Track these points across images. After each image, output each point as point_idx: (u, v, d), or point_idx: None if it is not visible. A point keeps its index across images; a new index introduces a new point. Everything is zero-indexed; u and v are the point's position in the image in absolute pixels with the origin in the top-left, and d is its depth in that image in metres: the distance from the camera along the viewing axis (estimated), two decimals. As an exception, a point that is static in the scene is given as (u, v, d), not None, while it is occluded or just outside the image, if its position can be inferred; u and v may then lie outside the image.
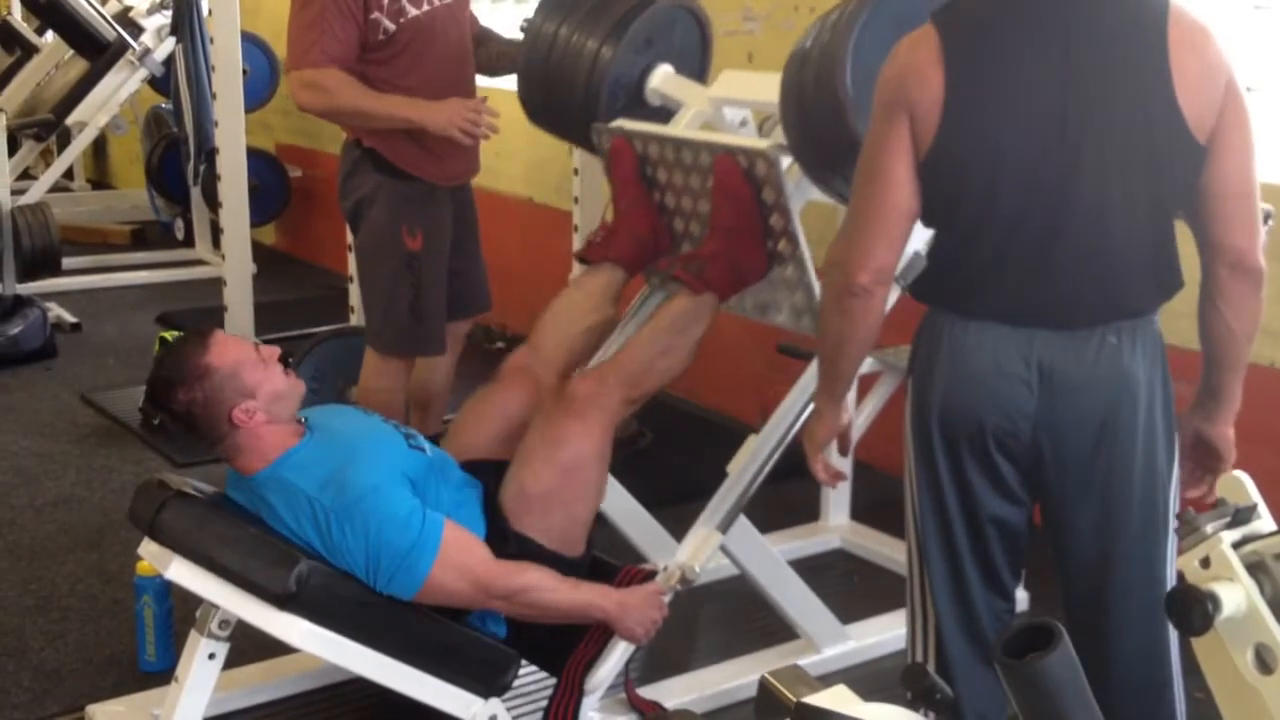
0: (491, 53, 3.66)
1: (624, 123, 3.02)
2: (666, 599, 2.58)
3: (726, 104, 3.02)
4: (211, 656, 2.40)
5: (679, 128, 3.04)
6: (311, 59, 3.28)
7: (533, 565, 2.46)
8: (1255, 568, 1.37)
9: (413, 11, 3.33)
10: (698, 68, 3.32)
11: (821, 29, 2.48)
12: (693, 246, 2.89)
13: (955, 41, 1.98)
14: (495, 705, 2.50)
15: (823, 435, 2.31)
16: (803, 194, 2.76)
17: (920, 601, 2.22)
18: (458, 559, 2.38)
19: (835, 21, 2.45)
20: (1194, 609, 1.35)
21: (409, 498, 2.39)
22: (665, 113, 3.18)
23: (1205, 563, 1.39)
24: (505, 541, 2.48)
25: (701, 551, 2.66)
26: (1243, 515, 1.42)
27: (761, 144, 2.70)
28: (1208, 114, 1.94)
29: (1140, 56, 1.93)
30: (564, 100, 3.20)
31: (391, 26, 3.31)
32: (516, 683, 2.56)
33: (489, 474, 2.61)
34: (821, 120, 2.45)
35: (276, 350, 2.51)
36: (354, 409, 2.73)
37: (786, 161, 2.68)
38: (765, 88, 2.71)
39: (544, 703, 2.60)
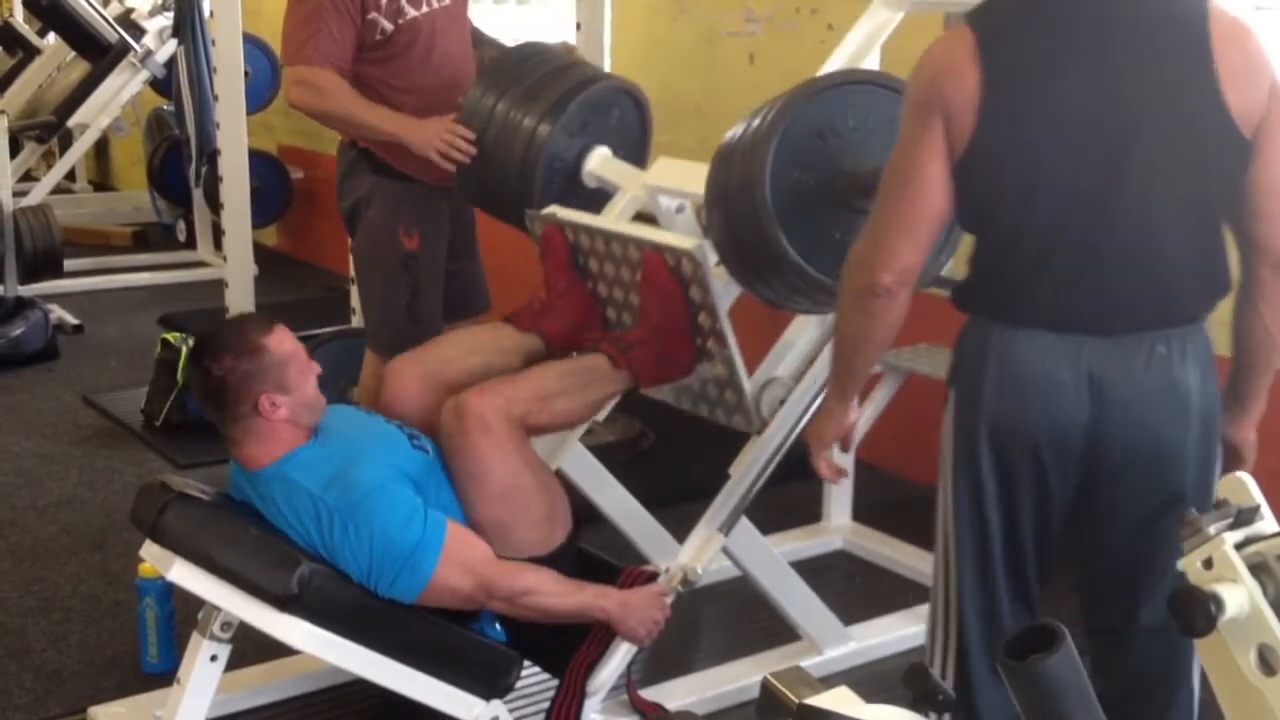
0: (483, 57, 3.66)
1: (557, 209, 2.93)
2: (669, 600, 2.58)
3: (661, 192, 2.94)
4: (213, 658, 2.40)
5: (611, 215, 2.96)
6: (305, 55, 3.27)
7: (534, 566, 2.46)
8: (1258, 569, 1.37)
9: (411, 13, 3.33)
10: (637, 149, 3.24)
11: (748, 126, 2.45)
12: (623, 332, 2.82)
13: (990, 40, 1.94)
14: (497, 707, 2.49)
15: (831, 434, 2.30)
16: (730, 293, 2.70)
17: (945, 614, 2.18)
18: (461, 558, 2.37)
19: (758, 126, 2.41)
20: (1197, 610, 1.35)
21: (412, 497, 2.38)
22: (603, 195, 3.10)
23: (1208, 564, 1.39)
24: None
25: (703, 553, 2.66)
26: (1245, 516, 1.42)
27: (687, 242, 2.62)
28: (1254, 110, 1.91)
29: (1182, 53, 1.91)
30: (499, 180, 3.12)
31: (389, 27, 3.31)
32: (518, 684, 2.56)
33: None
34: (743, 225, 2.42)
35: (319, 368, 2.53)
36: (356, 409, 2.73)
37: (714, 259, 2.62)
38: (700, 177, 2.64)
39: (546, 704, 2.60)
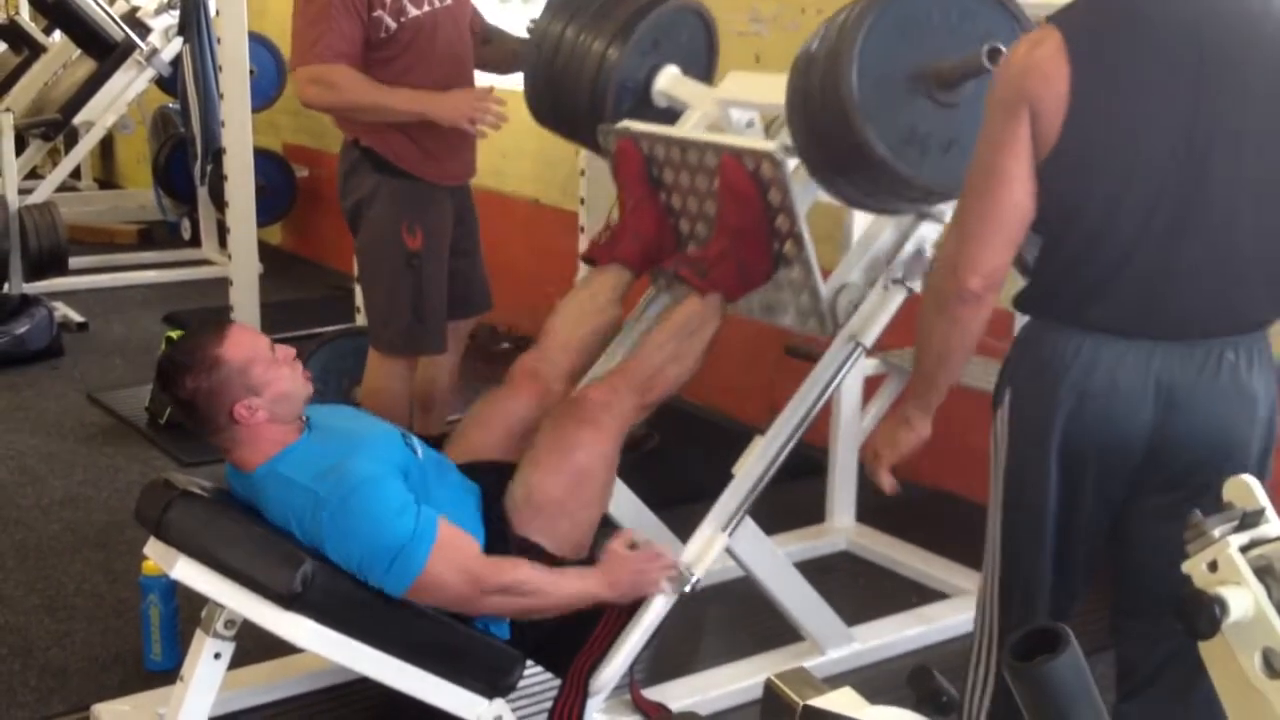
0: (502, 52, 3.67)
1: (630, 124, 3.01)
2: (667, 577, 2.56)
3: (733, 105, 3.02)
4: (217, 656, 2.40)
5: (685, 129, 3.03)
6: (318, 54, 3.28)
7: (524, 560, 2.45)
8: (1263, 572, 1.37)
9: (413, 11, 3.34)
10: (704, 69, 3.32)
11: (828, 31, 2.48)
12: (698, 247, 2.89)
13: (1079, 40, 1.92)
14: (500, 706, 2.49)
15: (908, 446, 2.25)
16: (809, 196, 2.76)
17: (988, 622, 2.17)
18: (453, 552, 2.36)
19: (842, 24, 2.44)
20: (1201, 613, 1.35)
21: (405, 491, 2.38)
22: (672, 114, 3.18)
23: (1213, 566, 1.38)
24: (505, 545, 2.48)
25: (707, 553, 2.66)
26: (1250, 519, 1.41)
27: (767, 145, 2.69)
28: None
29: (1274, 73, 1.91)
30: (570, 102, 3.19)
31: (393, 24, 3.31)
32: (521, 683, 2.56)
33: (489, 476, 2.61)
34: (827, 123, 2.44)
35: (291, 351, 2.50)
36: (353, 409, 2.74)
37: (793, 163, 2.67)
38: (772, 89, 2.71)
39: (549, 704, 2.59)
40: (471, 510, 2.53)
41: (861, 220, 3.05)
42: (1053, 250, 2.04)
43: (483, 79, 3.65)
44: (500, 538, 2.48)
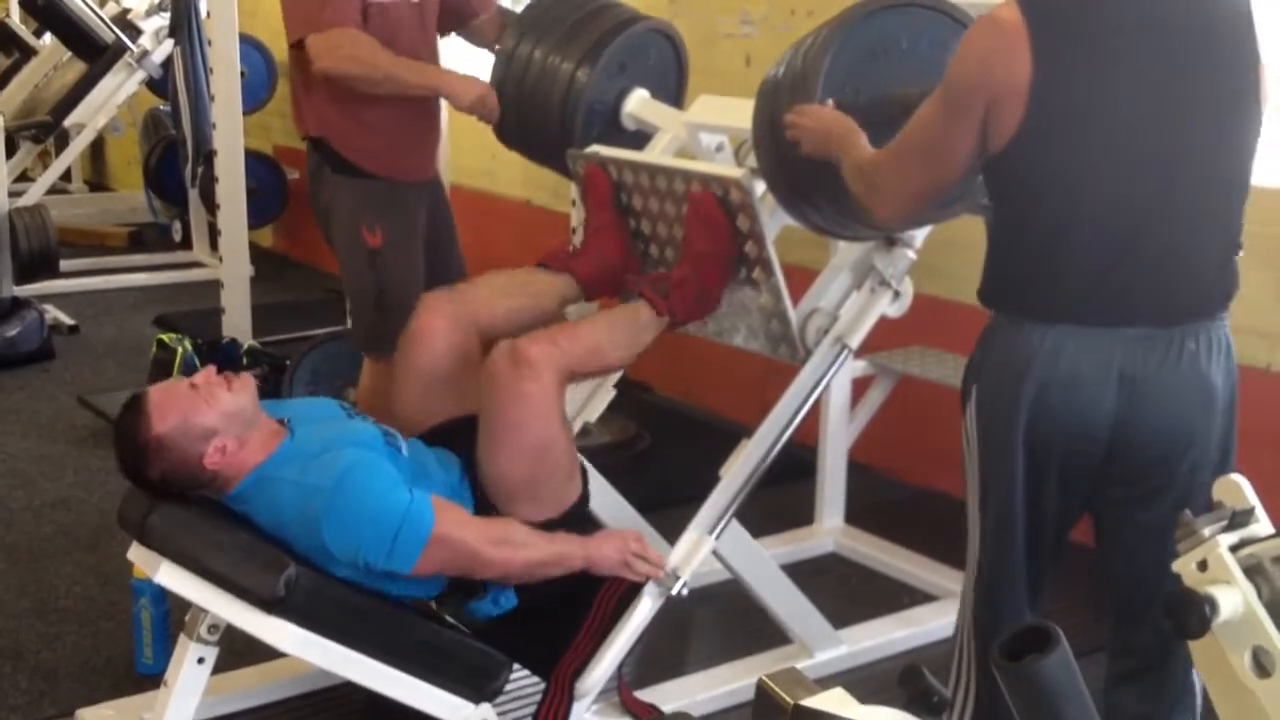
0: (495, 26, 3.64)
1: (599, 149, 2.99)
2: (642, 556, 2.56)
3: (702, 129, 2.99)
4: (201, 661, 2.39)
5: (654, 153, 3.02)
6: (328, 18, 3.18)
7: (504, 519, 2.45)
8: (1252, 571, 1.37)
9: None
10: (673, 91, 3.30)
11: (794, 57, 2.46)
12: (664, 270, 2.87)
13: (1042, 27, 1.91)
14: (486, 710, 2.49)
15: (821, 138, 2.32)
16: (777, 222, 2.74)
17: (969, 615, 2.20)
18: (452, 512, 2.38)
19: (807, 49, 2.43)
20: (1191, 612, 1.35)
21: (392, 469, 2.38)
22: (641, 137, 3.16)
23: (1203, 565, 1.38)
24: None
25: (694, 555, 2.65)
26: (1240, 518, 1.41)
27: (735, 172, 2.67)
28: None
29: (1235, 60, 1.94)
30: (540, 124, 3.17)
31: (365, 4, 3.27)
32: (507, 687, 2.55)
33: (459, 441, 2.58)
34: (793, 149, 2.41)
35: (210, 370, 2.46)
36: (333, 403, 2.70)
37: (761, 188, 2.65)
38: (741, 113, 2.68)
39: (534, 707, 2.58)
40: (463, 495, 2.53)
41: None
42: (1014, 241, 2.05)
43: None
44: (488, 512, 2.50)
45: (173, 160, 6.79)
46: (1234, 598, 1.35)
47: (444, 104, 3.54)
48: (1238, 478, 1.46)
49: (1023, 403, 2.02)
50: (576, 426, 3.08)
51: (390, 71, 3.26)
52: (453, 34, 3.64)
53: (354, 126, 3.34)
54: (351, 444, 2.41)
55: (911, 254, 2.76)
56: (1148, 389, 1.98)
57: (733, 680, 2.86)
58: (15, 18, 7.83)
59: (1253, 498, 1.44)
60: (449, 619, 2.56)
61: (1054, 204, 1.96)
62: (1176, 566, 1.41)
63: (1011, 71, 1.91)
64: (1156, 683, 2.13)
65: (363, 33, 3.23)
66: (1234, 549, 1.38)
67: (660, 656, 2.95)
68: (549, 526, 2.49)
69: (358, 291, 3.46)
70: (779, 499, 3.35)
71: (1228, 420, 2.04)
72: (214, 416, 2.37)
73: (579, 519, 2.58)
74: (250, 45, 6.27)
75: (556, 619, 2.55)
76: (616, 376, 3.15)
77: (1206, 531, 1.40)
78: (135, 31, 6.59)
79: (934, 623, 3.15)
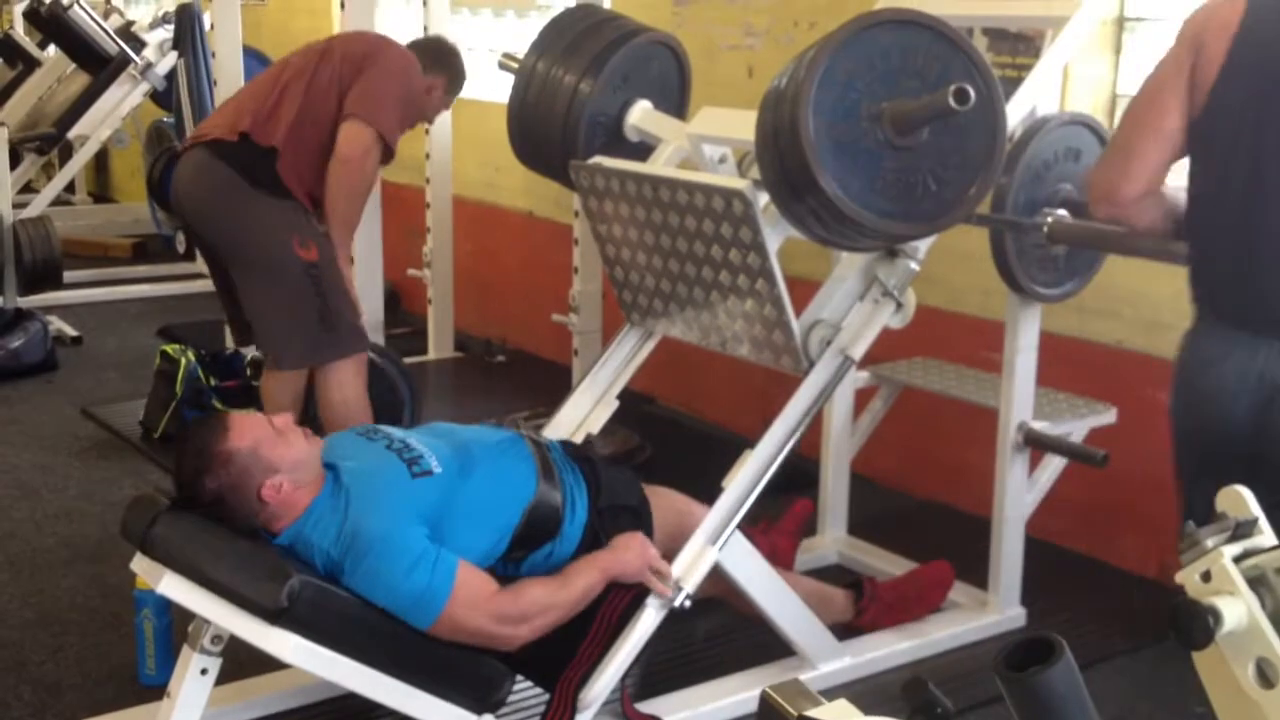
0: None
1: (602, 160, 3.00)
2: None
3: (705, 141, 3.00)
4: (204, 672, 2.39)
5: (657, 165, 3.03)
6: (389, 129, 3.47)
7: (529, 581, 2.50)
8: (1256, 582, 1.37)
9: None
10: (676, 102, 3.31)
11: (796, 68, 2.47)
12: (670, 285, 2.92)
13: (1256, 12, 2.10)
14: (490, 721, 2.49)
15: None
16: (780, 233, 2.74)
17: None
18: (471, 595, 2.42)
19: (807, 61, 2.44)
20: (1195, 623, 1.34)
21: (419, 541, 2.41)
22: (644, 148, 3.17)
23: (1206, 577, 1.38)
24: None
25: (696, 567, 2.64)
26: (1244, 529, 1.41)
27: (738, 183, 2.67)
28: None
29: None
30: (543, 137, 3.20)
31: None
32: (510, 698, 2.56)
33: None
34: (790, 160, 2.43)
35: (290, 417, 2.55)
36: (361, 439, 2.71)
37: (764, 200, 2.66)
38: (744, 125, 2.68)
39: (538, 719, 2.59)
40: (511, 494, 2.59)
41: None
42: (1192, 236, 2.21)
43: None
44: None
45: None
46: (1238, 609, 1.35)
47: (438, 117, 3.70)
48: (1240, 488, 1.46)
49: (1179, 401, 2.26)
50: (580, 437, 3.10)
51: (351, 219, 3.57)
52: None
53: (306, 166, 3.49)
54: (379, 511, 2.44)
55: (914, 265, 2.76)
56: None
57: (736, 692, 2.85)
58: (20, 30, 7.86)
59: (1256, 508, 1.44)
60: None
61: (1230, 196, 2.16)
62: (1180, 578, 1.41)
63: (1220, 40, 2.10)
64: None
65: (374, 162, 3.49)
66: (1238, 560, 1.38)
67: (660, 669, 2.94)
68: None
69: (295, 307, 3.50)
70: (782, 510, 3.35)
71: None
72: (283, 456, 2.44)
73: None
74: (254, 57, 6.25)
75: (560, 630, 2.55)
76: (619, 388, 3.17)
77: (1210, 543, 1.40)
78: (139, 44, 6.62)
79: (938, 633, 3.15)
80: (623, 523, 2.68)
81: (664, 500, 2.81)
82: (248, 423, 2.49)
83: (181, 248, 7.22)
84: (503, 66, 3.43)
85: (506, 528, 2.57)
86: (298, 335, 3.51)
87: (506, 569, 2.60)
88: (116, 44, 6.54)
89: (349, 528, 2.41)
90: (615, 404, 3.14)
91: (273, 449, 2.45)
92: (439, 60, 3.90)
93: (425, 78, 3.74)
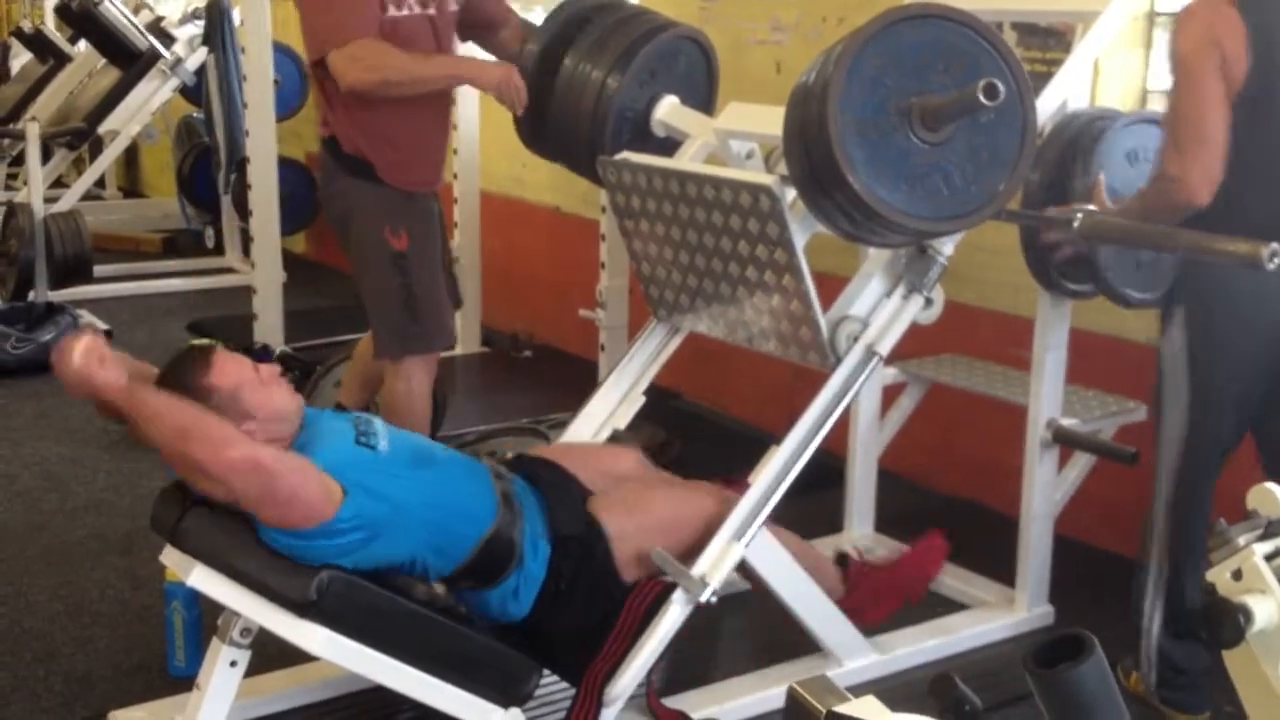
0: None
1: (629, 155, 3.01)
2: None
3: (732, 136, 3.00)
4: (233, 664, 2.41)
5: (684, 160, 3.03)
6: (345, 33, 3.22)
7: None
8: (1287, 580, 1.36)
9: (393, 11, 3.32)
10: (703, 97, 3.31)
11: (824, 63, 2.46)
12: (697, 280, 2.92)
13: (1249, 8, 2.40)
14: (516, 715, 2.49)
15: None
16: (807, 228, 2.74)
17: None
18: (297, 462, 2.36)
19: (835, 56, 2.43)
20: (1225, 621, 1.34)
21: (319, 461, 2.37)
22: (671, 143, 3.17)
23: (1237, 575, 1.38)
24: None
25: (722, 563, 2.64)
26: (1275, 528, 1.41)
27: (766, 179, 2.67)
28: None
29: None
30: (570, 131, 3.19)
31: (383, 15, 3.30)
32: (537, 692, 2.56)
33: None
34: (818, 156, 2.42)
35: (276, 369, 2.51)
36: (330, 413, 2.71)
37: (791, 195, 2.66)
38: (771, 120, 2.68)
39: (564, 713, 2.59)
40: (474, 490, 2.55)
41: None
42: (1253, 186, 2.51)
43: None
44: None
45: (206, 167, 6.84)
46: (1269, 607, 1.34)
47: (463, 114, 3.60)
48: (1272, 486, 1.45)
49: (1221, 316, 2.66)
50: (606, 433, 3.10)
51: (412, 72, 3.28)
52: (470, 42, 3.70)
53: (373, 141, 3.38)
54: (307, 446, 2.42)
55: (943, 260, 2.75)
56: None
57: (762, 688, 2.85)
58: (50, 25, 7.91)
59: (1288, 507, 1.43)
60: (477, 622, 2.57)
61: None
62: (1210, 576, 1.41)
63: (1232, 34, 2.40)
64: None
65: (378, 41, 3.25)
66: (1269, 558, 1.37)
67: (686, 664, 2.94)
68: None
69: (382, 293, 3.46)
70: (809, 507, 3.34)
71: None
72: (261, 404, 2.41)
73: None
74: (283, 53, 6.30)
75: (586, 623, 2.55)
76: (646, 384, 3.16)
77: (1241, 540, 1.39)
78: (169, 39, 6.65)
79: (965, 631, 3.14)
80: (572, 551, 2.59)
81: (691, 493, 2.80)
82: (231, 364, 2.44)
83: (211, 242, 7.29)
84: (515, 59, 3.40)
85: (453, 548, 2.48)
86: (385, 323, 3.50)
87: (460, 597, 2.57)
88: (146, 39, 6.57)
89: None
90: (642, 399, 3.14)
91: (252, 395, 2.41)
92: None
93: None
